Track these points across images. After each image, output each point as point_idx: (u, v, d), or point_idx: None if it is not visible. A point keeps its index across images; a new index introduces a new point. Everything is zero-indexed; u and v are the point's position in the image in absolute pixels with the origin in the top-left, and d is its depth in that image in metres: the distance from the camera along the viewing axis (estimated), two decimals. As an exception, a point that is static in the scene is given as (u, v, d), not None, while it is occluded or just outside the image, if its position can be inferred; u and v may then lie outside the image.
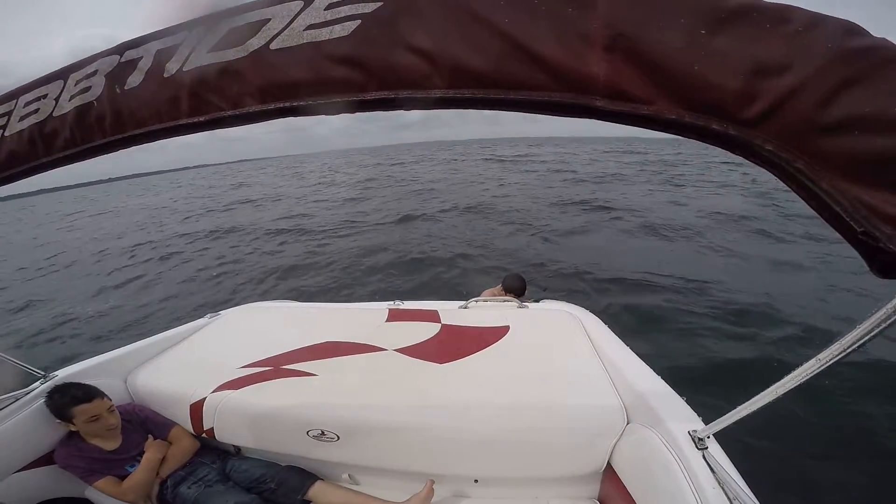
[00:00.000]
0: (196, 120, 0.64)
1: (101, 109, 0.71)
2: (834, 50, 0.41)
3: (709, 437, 1.11)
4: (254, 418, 1.64)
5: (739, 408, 0.91)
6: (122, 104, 0.69)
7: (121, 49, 0.69)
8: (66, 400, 1.60)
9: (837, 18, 0.43)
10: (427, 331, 2.03)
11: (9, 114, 0.79)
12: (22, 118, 0.78)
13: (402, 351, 1.86)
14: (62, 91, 0.74)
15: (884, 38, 0.42)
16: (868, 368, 3.01)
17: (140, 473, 1.65)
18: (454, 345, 1.89)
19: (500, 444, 1.45)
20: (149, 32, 0.68)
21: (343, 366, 1.79)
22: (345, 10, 0.54)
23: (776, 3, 0.45)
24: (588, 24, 0.46)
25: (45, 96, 0.76)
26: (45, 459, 1.61)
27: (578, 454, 1.42)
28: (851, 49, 0.41)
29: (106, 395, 1.67)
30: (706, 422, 1.15)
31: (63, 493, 1.63)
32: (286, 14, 0.57)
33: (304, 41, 0.55)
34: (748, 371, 3.18)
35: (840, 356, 0.65)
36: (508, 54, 0.48)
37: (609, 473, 1.41)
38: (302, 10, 0.56)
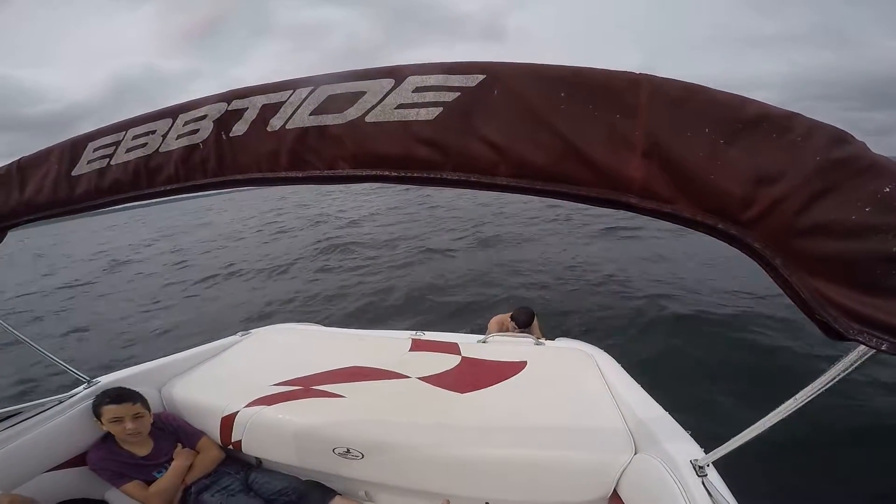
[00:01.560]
0: (293, 175, 0.72)
1: (206, 152, 0.77)
2: (820, 161, 0.50)
3: (708, 465, 1.19)
4: (284, 433, 1.72)
5: (735, 438, 1.02)
6: (227, 150, 0.76)
7: (228, 97, 0.75)
8: (103, 398, 1.70)
9: (830, 127, 0.52)
10: (448, 362, 2.12)
11: (117, 144, 0.85)
12: (129, 150, 0.84)
13: (424, 379, 1.95)
14: (170, 129, 0.80)
15: (863, 145, 0.51)
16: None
17: (167, 479, 1.72)
18: (474, 376, 1.97)
19: (512, 469, 1.51)
20: (256, 85, 0.75)
21: (369, 390, 1.89)
22: (429, 97, 0.63)
23: (784, 112, 0.54)
24: (631, 131, 0.56)
25: (153, 132, 0.82)
26: (76, 461, 1.70)
27: (587, 481, 1.48)
28: (832, 160, 0.49)
29: (140, 402, 1.74)
30: (706, 451, 1.23)
31: (84, 493, 1.71)
32: (379, 90, 0.65)
33: (395, 119, 0.64)
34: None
35: (813, 396, 0.79)
36: (564, 154, 0.58)
37: (614, 499, 1.47)
38: (393, 88, 0.65)
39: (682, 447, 1.32)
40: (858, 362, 0.65)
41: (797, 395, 0.83)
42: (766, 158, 0.52)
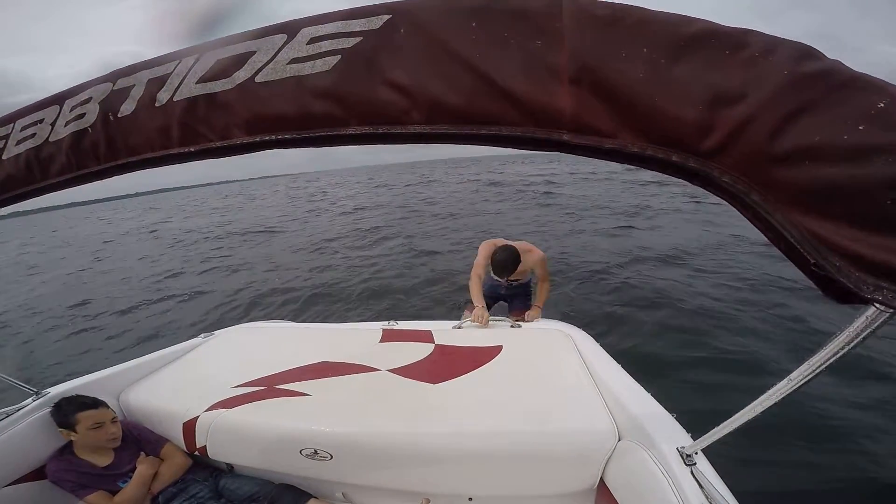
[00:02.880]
0: (186, 150, 0.65)
1: (96, 136, 0.71)
2: (787, 76, 0.41)
3: (697, 453, 1.12)
4: (247, 437, 1.64)
5: (724, 424, 0.93)
6: (116, 131, 0.70)
7: (113, 77, 0.70)
8: (72, 406, 1.62)
9: (793, 42, 0.44)
10: (420, 351, 2.04)
11: (6, 137, 0.79)
12: (19, 142, 0.78)
13: (395, 371, 1.86)
14: (58, 117, 0.74)
15: (837, 61, 0.43)
16: (846, 374, 3.04)
17: (132, 489, 1.65)
18: (447, 365, 1.89)
19: (493, 462, 1.45)
20: (140, 61, 0.69)
21: (337, 386, 1.80)
22: (325, 45, 0.55)
23: (735, 28, 0.46)
24: (555, 56, 0.47)
25: (41, 121, 0.76)
26: (36, 474, 1.62)
27: (571, 472, 1.42)
28: (803, 74, 0.41)
29: (110, 407, 1.70)
30: (694, 437, 1.16)
31: None
32: (270, 47, 0.58)
33: (288, 75, 0.56)
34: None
35: (810, 377, 0.67)
36: (480, 90, 0.50)
37: (602, 490, 1.40)
38: (286, 43, 0.57)
39: (668, 433, 1.25)
40: (867, 332, 0.52)
41: (791, 376, 0.72)
42: (721, 76, 0.43)
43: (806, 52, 0.43)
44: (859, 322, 0.53)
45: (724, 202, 0.48)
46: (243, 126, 0.60)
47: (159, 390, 1.94)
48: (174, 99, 0.63)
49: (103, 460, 1.68)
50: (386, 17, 0.53)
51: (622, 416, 1.43)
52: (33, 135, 0.77)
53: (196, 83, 0.61)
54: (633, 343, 3.77)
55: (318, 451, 1.51)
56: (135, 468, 1.70)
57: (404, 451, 1.48)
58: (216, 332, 2.57)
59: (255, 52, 0.58)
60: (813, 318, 3.87)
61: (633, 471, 1.25)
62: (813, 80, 0.41)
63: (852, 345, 0.56)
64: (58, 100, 0.75)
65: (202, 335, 2.52)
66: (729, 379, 3.08)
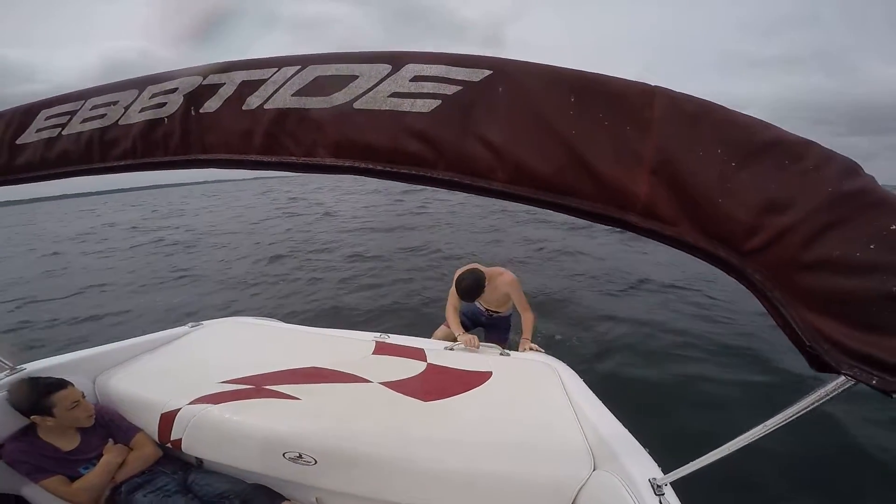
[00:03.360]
0: (265, 159, 0.65)
1: (171, 127, 0.70)
2: (830, 193, 0.48)
3: (666, 486, 1.20)
4: (229, 434, 1.61)
5: (696, 461, 1.02)
6: (194, 126, 0.69)
7: (205, 71, 0.69)
8: (42, 389, 1.55)
9: (843, 158, 0.51)
10: (413, 368, 2.06)
11: (72, 113, 0.78)
12: (85, 120, 0.77)
13: (387, 385, 1.88)
14: (134, 101, 0.73)
15: (871, 179, 0.50)
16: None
17: (94, 475, 1.58)
18: (439, 384, 1.93)
19: (475, 481, 1.48)
20: (240, 60, 0.68)
21: (327, 392, 1.80)
22: (428, 87, 0.57)
23: (800, 139, 0.52)
24: (642, 145, 0.52)
25: (115, 103, 0.75)
26: None
27: (547, 496, 1.47)
28: (843, 193, 0.48)
29: (73, 384, 1.63)
30: (665, 471, 1.24)
31: None
32: (374, 75, 0.59)
33: (387, 107, 0.58)
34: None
35: (782, 423, 0.77)
36: (567, 164, 0.54)
37: None
38: (389, 74, 0.59)
39: (641, 465, 1.32)
40: (834, 393, 0.65)
41: (767, 422, 0.82)
42: (777, 185, 0.50)
43: (851, 169, 0.50)
44: (829, 386, 0.64)
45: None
46: (331, 147, 0.61)
47: (139, 377, 1.88)
48: (265, 106, 0.63)
49: (68, 444, 1.60)
50: (488, 73, 0.56)
51: (598, 446, 1.49)
52: (103, 115, 0.75)
53: (292, 95, 0.62)
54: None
55: (303, 456, 1.50)
56: (100, 455, 1.63)
57: (389, 463, 1.50)
58: (205, 323, 2.50)
59: (357, 76, 0.60)
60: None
61: (606, 499, 1.31)
62: (849, 198, 0.48)
63: (820, 402, 0.66)
64: (140, 84, 0.73)
65: (189, 324, 2.45)
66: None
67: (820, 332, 0.50)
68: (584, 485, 1.43)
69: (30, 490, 1.56)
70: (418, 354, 2.22)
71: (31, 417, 1.56)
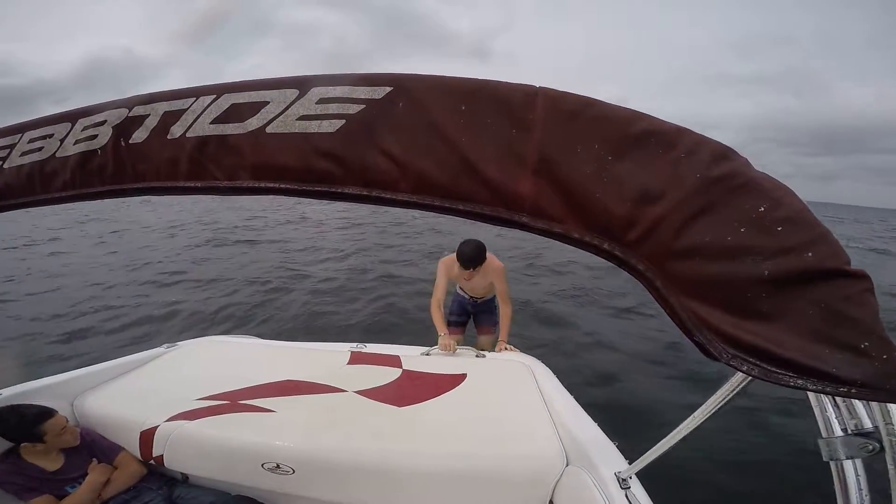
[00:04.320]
0: (192, 184, 0.67)
1: (104, 159, 0.72)
2: (699, 179, 0.49)
3: (631, 477, 1.23)
4: (209, 448, 1.64)
5: (652, 450, 1.09)
6: (125, 157, 0.70)
7: (130, 103, 0.71)
8: (31, 417, 1.58)
9: (715, 143, 0.51)
10: (388, 375, 2.09)
11: (11, 147, 0.79)
12: (24, 153, 0.78)
13: (362, 393, 1.90)
14: (68, 134, 0.74)
15: (744, 162, 0.50)
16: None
17: (81, 494, 1.61)
18: (413, 390, 1.96)
19: (452, 483, 1.51)
20: (158, 92, 0.70)
21: (302, 404, 1.82)
22: (333, 108, 0.60)
23: (672, 126, 0.52)
24: (524, 147, 0.54)
25: (50, 136, 0.76)
26: None
27: (524, 493, 1.50)
28: (711, 177, 0.49)
29: (57, 411, 1.66)
30: (630, 462, 1.28)
31: None
32: (282, 100, 0.62)
33: (296, 130, 0.61)
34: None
35: (707, 415, 0.86)
36: (461, 171, 0.56)
37: None
38: (297, 99, 0.61)
39: (609, 460, 1.36)
40: (741, 386, 0.69)
41: (694, 414, 0.89)
42: (650, 176, 0.51)
43: (721, 154, 0.50)
44: (734, 379, 0.73)
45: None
46: (249, 170, 0.64)
47: (117, 398, 1.91)
48: (187, 135, 0.66)
49: (52, 465, 1.63)
50: (388, 89, 0.59)
51: (571, 443, 1.53)
52: (40, 148, 0.77)
53: (210, 123, 0.65)
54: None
55: (281, 465, 1.53)
56: (85, 474, 1.66)
57: (367, 469, 1.52)
58: (179, 343, 2.54)
59: (268, 102, 0.62)
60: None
61: (578, 494, 1.34)
62: (717, 183, 0.49)
63: (730, 395, 0.75)
64: (71, 117, 0.75)
65: (165, 345, 2.48)
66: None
67: (703, 321, 0.50)
68: (558, 481, 1.46)
69: None
70: (393, 361, 2.24)
71: (22, 445, 1.59)
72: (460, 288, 3.33)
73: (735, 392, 0.73)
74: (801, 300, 0.45)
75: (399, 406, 1.80)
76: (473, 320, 3.41)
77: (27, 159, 0.78)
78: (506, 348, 2.65)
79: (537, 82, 0.61)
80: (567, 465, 1.46)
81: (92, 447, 1.73)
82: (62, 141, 0.75)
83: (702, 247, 0.48)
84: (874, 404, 0.47)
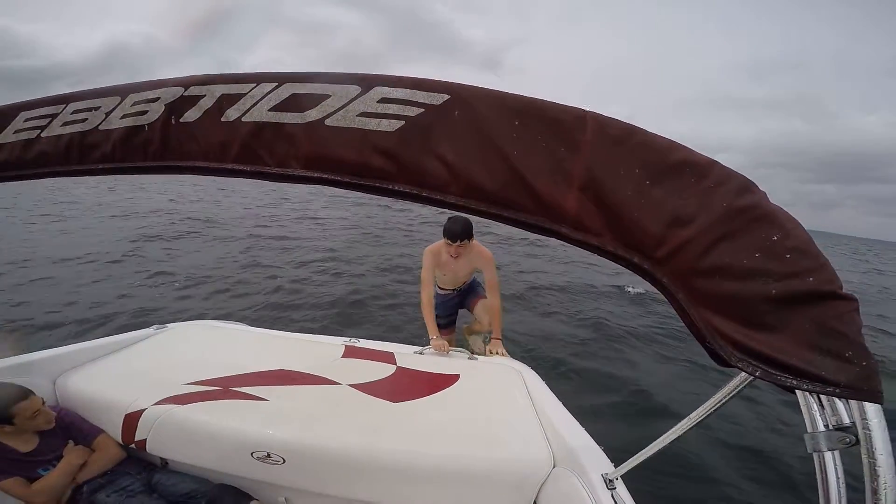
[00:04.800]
0: (240, 168, 0.69)
1: (151, 135, 0.72)
2: (725, 208, 0.56)
3: (617, 479, 1.29)
4: (196, 435, 1.62)
5: (639, 453, 1.15)
6: (174, 134, 0.71)
7: (186, 83, 0.72)
8: (4, 399, 1.52)
9: (740, 176, 0.58)
10: (383, 371, 2.11)
11: (53, 116, 0.79)
12: (66, 123, 0.78)
13: (356, 387, 1.92)
14: (116, 108, 0.74)
15: (764, 195, 0.58)
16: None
17: (55, 477, 1.56)
18: (408, 387, 1.99)
19: (441, 480, 1.54)
20: (218, 74, 0.71)
21: (296, 394, 1.82)
22: (393, 109, 0.63)
23: (706, 159, 0.59)
24: (572, 165, 0.59)
25: (97, 108, 0.76)
26: None
27: (511, 493, 1.54)
28: (735, 208, 0.56)
29: (34, 392, 1.60)
30: (616, 465, 1.34)
31: None
32: (344, 95, 0.64)
33: (356, 126, 0.63)
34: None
35: (705, 415, 0.91)
36: (510, 182, 0.61)
37: None
38: (358, 95, 0.64)
39: (595, 461, 1.41)
40: (741, 387, 0.78)
41: (690, 415, 0.95)
42: (683, 201, 0.57)
43: (745, 187, 0.58)
44: (735, 381, 0.79)
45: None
46: (302, 160, 0.66)
47: (102, 378, 1.86)
48: (242, 119, 0.67)
49: (25, 446, 1.58)
50: (446, 97, 0.62)
51: (558, 445, 1.58)
52: (84, 119, 0.76)
53: (269, 110, 0.66)
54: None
55: (271, 455, 1.53)
56: (60, 457, 1.61)
57: (358, 463, 1.54)
58: (169, 325, 2.49)
59: (329, 96, 0.65)
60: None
61: (564, 495, 1.40)
62: (740, 213, 0.56)
63: (731, 396, 0.81)
64: (121, 91, 0.75)
65: (154, 326, 2.43)
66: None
67: (716, 330, 0.57)
68: (544, 482, 1.51)
69: None
70: (388, 358, 2.27)
71: None
72: (440, 287, 3.36)
73: (730, 396, 0.81)
74: (801, 316, 0.53)
75: (393, 402, 1.82)
76: (463, 306, 3.42)
77: (68, 129, 0.78)
78: (498, 352, 2.70)
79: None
80: (554, 467, 1.51)
81: (70, 428, 1.68)
82: (108, 114, 0.75)
83: (722, 267, 0.55)
84: (853, 402, 0.54)
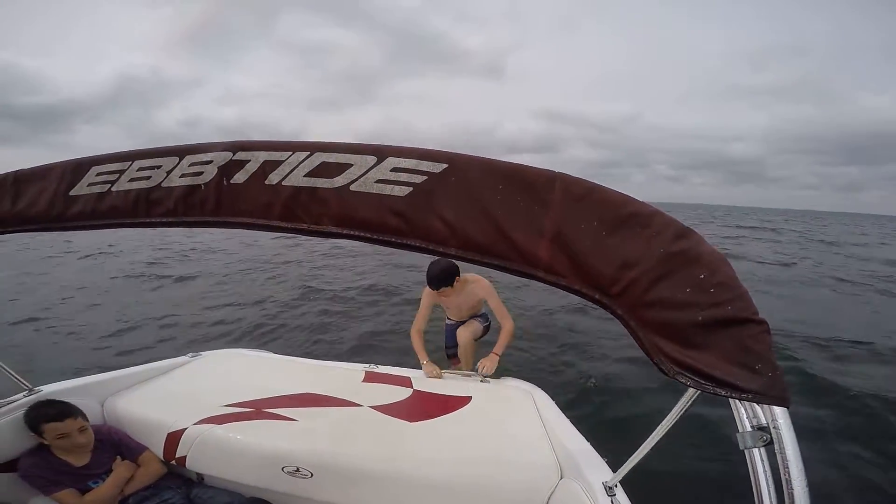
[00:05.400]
0: (282, 224, 0.81)
1: (207, 193, 0.84)
2: (662, 253, 0.68)
3: (616, 486, 1.37)
4: (233, 451, 1.77)
5: (631, 457, 1.24)
6: (226, 194, 0.83)
7: (234, 147, 0.84)
8: (39, 416, 1.69)
9: (677, 224, 0.71)
10: (400, 394, 2.26)
11: (121, 172, 0.89)
12: (132, 179, 0.88)
13: (376, 408, 2.06)
14: (175, 167, 0.85)
15: (698, 239, 0.70)
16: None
17: (105, 489, 1.72)
18: (423, 408, 2.12)
19: (455, 490, 1.64)
20: (260, 141, 0.84)
21: (322, 415, 1.97)
22: (403, 176, 0.77)
23: (650, 209, 0.72)
24: (544, 220, 0.73)
25: (158, 167, 0.87)
26: (7, 466, 1.67)
27: (520, 503, 1.65)
28: (671, 252, 0.68)
29: (81, 416, 1.76)
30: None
31: (6, 500, 1.67)
32: (363, 164, 0.78)
33: (374, 191, 0.77)
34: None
35: (676, 419, 1.02)
36: (496, 236, 0.74)
37: None
38: (375, 165, 0.77)
39: (598, 472, 1.51)
40: (692, 400, 0.90)
41: (662, 423, 1.07)
42: (630, 248, 0.70)
43: (681, 233, 0.70)
44: (687, 394, 0.90)
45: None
46: (334, 218, 0.79)
47: (145, 401, 2.05)
48: (283, 183, 0.80)
49: (80, 460, 1.74)
50: (444, 165, 0.76)
51: (565, 459, 1.68)
52: (148, 177, 0.87)
53: (304, 176, 0.79)
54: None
55: (300, 469, 1.66)
56: (109, 471, 1.77)
57: (379, 476, 1.66)
58: (203, 353, 2.70)
59: (351, 165, 0.78)
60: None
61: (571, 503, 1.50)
62: (675, 256, 0.69)
63: (689, 404, 0.93)
64: (179, 152, 0.87)
65: (189, 354, 2.64)
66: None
67: (660, 350, 0.69)
68: (552, 493, 1.61)
69: (40, 502, 1.68)
70: (405, 382, 2.43)
71: (31, 435, 1.69)
72: (448, 317, 3.46)
73: (690, 403, 0.92)
74: (723, 337, 0.65)
75: (410, 421, 1.96)
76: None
77: (135, 185, 0.89)
78: (485, 366, 2.67)
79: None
80: (561, 479, 1.61)
81: (118, 445, 1.85)
82: (168, 173, 0.86)
83: (661, 300, 0.68)
84: (766, 406, 0.65)
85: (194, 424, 1.83)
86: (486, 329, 3.38)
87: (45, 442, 1.69)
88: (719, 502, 2.69)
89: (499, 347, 2.82)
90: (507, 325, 2.89)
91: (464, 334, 3.21)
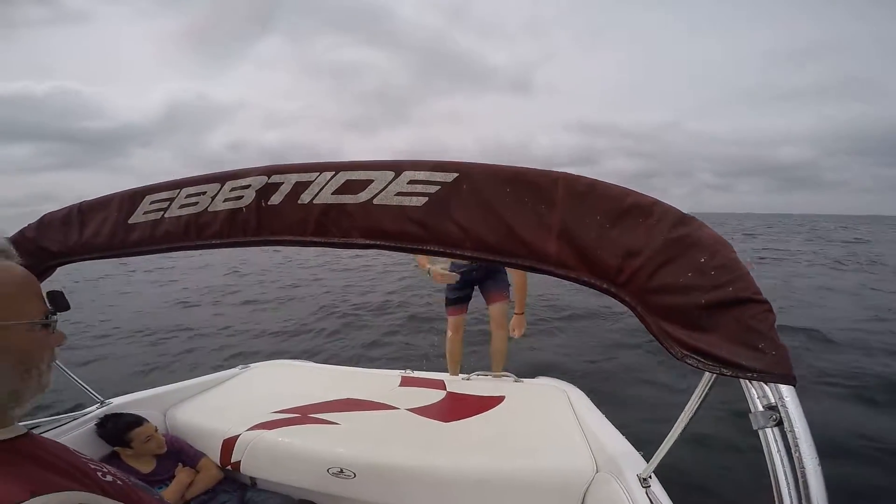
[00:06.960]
0: (316, 239, 0.91)
1: (248, 215, 0.93)
2: (664, 240, 0.72)
3: (651, 476, 1.38)
4: (282, 455, 1.89)
5: (661, 447, 1.24)
6: (264, 215, 0.92)
7: (269, 171, 0.93)
8: (122, 425, 1.86)
9: (676, 211, 0.74)
10: (435, 396, 2.35)
11: (171, 200, 0.99)
12: (182, 206, 0.98)
13: (413, 410, 2.15)
14: (218, 193, 0.95)
15: (699, 224, 0.73)
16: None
17: (170, 494, 1.86)
18: (457, 408, 2.20)
19: (491, 486, 1.69)
20: (290, 164, 0.94)
21: (362, 418, 2.08)
22: (419, 188, 0.85)
23: (650, 200, 0.76)
24: (550, 217, 0.79)
25: (203, 193, 0.96)
26: None
27: (558, 498, 1.66)
28: (672, 238, 0.72)
29: (149, 421, 1.93)
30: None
31: None
32: (383, 179, 0.86)
33: (394, 203, 0.85)
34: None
35: (696, 407, 1.01)
36: (507, 235, 0.81)
37: None
38: (393, 179, 0.86)
39: (633, 464, 1.52)
40: (710, 384, 0.90)
41: (685, 410, 1.06)
42: (633, 238, 0.75)
43: (680, 220, 0.74)
44: (705, 378, 0.90)
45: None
46: (360, 231, 0.88)
47: (203, 410, 2.21)
48: (314, 201, 0.89)
49: (146, 468, 1.89)
50: (455, 175, 0.84)
51: (600, 453, 1.70)
52: (196, 203, 0.97)
53: (332, 194, 0.88)
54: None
55: (344, 471, 1.75)
56: (172, 476, 1.92)
57: (417, 474, 1.73)
58: (251, 365, 2.88)
59: (373, 180, 0.87)
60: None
61: (607, 497, 1.51)
62: (677, 242, 0.72)
63: (706, 391, 0.92)
64: (220, 179, 0.96)
65: (240, 367, 2.82)
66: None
67: (667, 333, 0.73)
68: (588, 486, 1.63)
69: None
70: (439, 385, 2.51)
71: (115, 448, 1.87)
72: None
73: (709, 387, 0.92)
74: (726, 318, 0.68)
75: (445, 422, 2.04)
76: (480, 290, 3.01)
77: (185, 211, 0.99)
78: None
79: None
80: (597, 472, 1.63)
81: (179, 453, 2.00)
82: (213, 198, 0.96)
83: (665, 285, 0.73)
84: (774, 385, 0.65)
85: (247, 430, 1.96)
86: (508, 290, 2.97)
87: (130, 452, 1.86)
88: (746, 487, 2.71)
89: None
90: (518, 279, 2.80)
91: (496, 313, 2.92)
